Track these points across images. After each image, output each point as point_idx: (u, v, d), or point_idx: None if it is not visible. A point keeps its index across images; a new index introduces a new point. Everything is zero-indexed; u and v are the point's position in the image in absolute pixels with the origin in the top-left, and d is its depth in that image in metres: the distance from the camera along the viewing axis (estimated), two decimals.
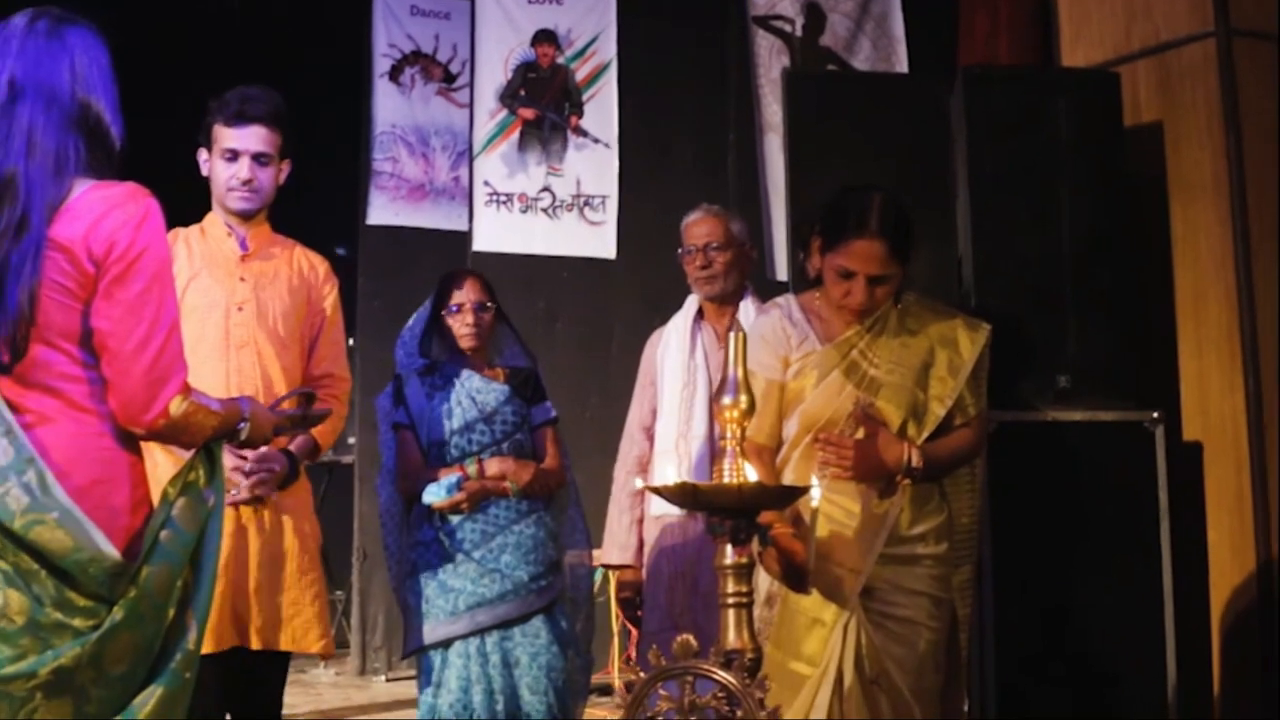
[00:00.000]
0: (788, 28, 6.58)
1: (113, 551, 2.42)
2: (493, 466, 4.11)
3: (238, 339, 3.71)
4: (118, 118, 2.61)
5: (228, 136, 3.75)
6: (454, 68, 8.13)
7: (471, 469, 4.08)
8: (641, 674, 2.54)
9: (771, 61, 6.50)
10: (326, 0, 8.39)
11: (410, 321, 4.37)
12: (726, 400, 2.71)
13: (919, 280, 4.38)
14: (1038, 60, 5.51)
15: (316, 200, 10.02)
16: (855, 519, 3.33)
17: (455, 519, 4.07)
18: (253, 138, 3.76)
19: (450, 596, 4.04)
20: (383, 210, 8.08)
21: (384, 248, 8.03)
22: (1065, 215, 4.61)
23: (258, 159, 3.77)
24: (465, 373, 4.22)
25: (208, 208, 3.85)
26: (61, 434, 2.47)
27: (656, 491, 2.76)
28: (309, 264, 3.93)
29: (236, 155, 3.76)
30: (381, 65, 8.07)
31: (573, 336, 7.09)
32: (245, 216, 3.82)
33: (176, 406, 2.52)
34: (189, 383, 2.58)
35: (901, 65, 6.62)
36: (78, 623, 2.40)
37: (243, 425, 2.75)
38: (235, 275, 3.78)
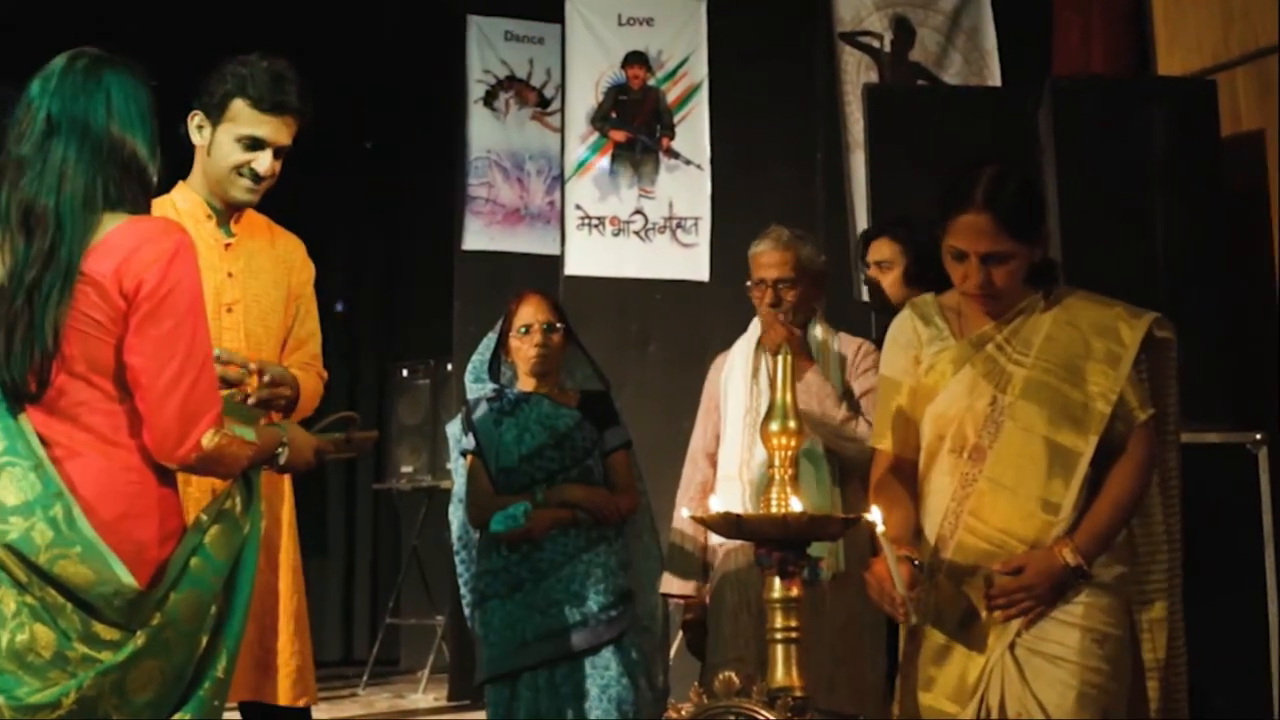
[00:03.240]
0: (876, 44, 6.47)
1: (132, 581, 2.41)
2: (576, 492, 4.05)
3: (230, 345, 3.33)
4: (155, 155, 2.62)
5: (255, 122, 3.31)
6: (548, 92, 8.11)
7: (540, 497, 4.02)
8: (681, 711, 2.45)
9: (859, 78, 6.39)
10: (420, 28, 8.44)
11: (480, 346, 4.33)
12: (774, 426, 2.62)
13: None
14: (1133, 68, 5.36)
15: (413, 226, 10.16)
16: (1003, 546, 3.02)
17: (524, 548, 4.02)
18: (283, 129, 3.35)
19: (518, 627, 3.99)
20: (478, 235, 8.07)
21: (479, 273, 8.01)
22: (1160, 229, 4.48)
23: (279, 152, 3.37)
24: (535, 397, 4.16)
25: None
26: (90, 468, 2.48)
27: (701, 521, 2.68)
28: (288, 250, 3.56)
29: (260, 145, 3.33)
30: (476, 91, 8.07)
31: (665, 360, 7.01)
32: (241, 207, 3.44)
33: (209, 440, 2.51)
34: (223, 416, 2.57)
35: (994, 79, 6.46)
36: (105, 656, 2.41)
37: (281, 450, 2.75)
38: (221, 269, 3.39)
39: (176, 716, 2.48)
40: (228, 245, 3.41)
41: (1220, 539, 4.22)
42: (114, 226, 2.50)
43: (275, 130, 3.32)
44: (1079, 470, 3.01)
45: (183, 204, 3.40)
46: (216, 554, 2.54)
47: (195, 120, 3.36)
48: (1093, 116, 4.53)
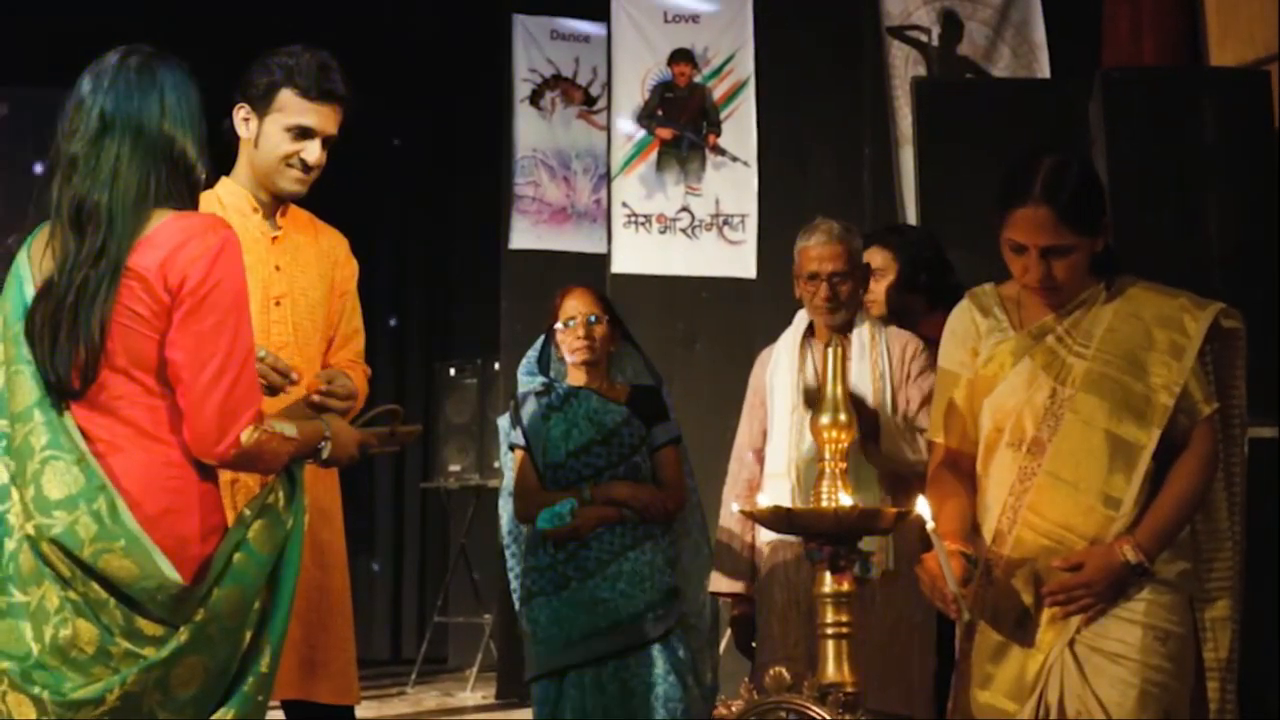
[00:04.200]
0: (924, 38, 6.42)
1: (176, 576, 2.42)
2: (622, 490, 4.04)
3: (278, 338, 3.30)
4: (203, 152, 2.63)
5: (303, 111, 3.26)
6: (594, 90, 8.11)
7: (586, 494, 4.02)
8: (732, 707, 2.44)
9: (907, 73, 6.34)
10: (467, 27, 8.47)
11: (535, 343, 4.34)
12: (825, 420, 2.60)
13: None
14: (1185, 61, 5.30)
15: (459, 226, 10.19)
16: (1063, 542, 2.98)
17: (570, 546, 4.01)
18: (331, 118, 3.31)
19: (564, 625, 3.98)
20: (525, 234, 8.08)
21: (526, 272, 8.03)
22: (1212, 223, 4.43)
23: (325, 141, 3.32)
24: (584, 393, 4.16)
25: None
26: (132, 462, 2.48)
27: (751, 516, 2.66)
28: (331, 245, 3.53)
29: (309, 134, 3.29)
30: (522, 90, 8.08)
31: (713, 357, 7.00)
32: (289, 198, 3.40)
33: (248, 437, 2.51)
34: (263, 412, 2.58)
35: (1044, 72, 6.41)
36: (148, 652, 2.42)
37: (324, 444, 2.73)
38: (269, 263, 3.36)
39: (220, 712, 2.49)
40: (274, 239, 3.38)
41: (1275, 535, 4.16)
42: (160, 222, 2.51)
43: (323, 119, 3.29)
44: (1141, 464, 2.97)
45: (228, 198, 3.36)
46: (260, 549, 2.55)
47: (241, 113, 3.32)
48: (1144, 109, 4.48)
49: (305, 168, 3.31)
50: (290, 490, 2.64)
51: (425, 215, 10.26)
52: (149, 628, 2.42)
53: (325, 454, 2.74)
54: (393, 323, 10.19)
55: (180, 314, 2.47)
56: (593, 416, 4.12)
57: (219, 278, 2.49)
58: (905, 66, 6.41)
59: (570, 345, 4.16)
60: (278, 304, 3.34)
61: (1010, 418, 3.06)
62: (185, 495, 2.51)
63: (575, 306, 4.18)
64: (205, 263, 2.48)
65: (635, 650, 3.97)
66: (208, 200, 3.23)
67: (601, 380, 4.21)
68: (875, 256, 4.30)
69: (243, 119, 3.32)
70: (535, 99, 8.11)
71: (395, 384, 9.91)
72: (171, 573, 2.42)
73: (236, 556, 2.51)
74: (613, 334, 4.22)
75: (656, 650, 3.98)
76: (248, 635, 2.53)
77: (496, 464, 8.24)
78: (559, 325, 4.19)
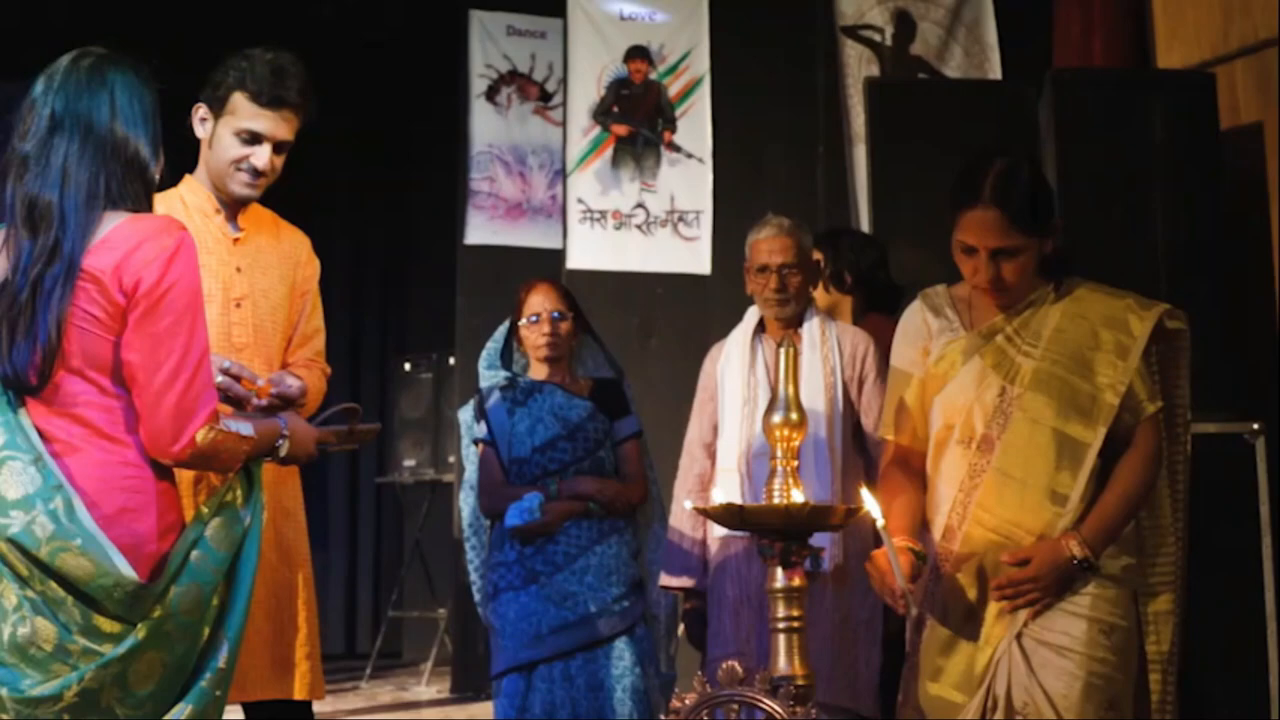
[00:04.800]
0: (877, 37, 6.48)
1: (133, 575, 2.43)
2: (588, 484, 4.06)
3: (239, 340, 3.31)
4: (158, 153, 2.65)
5: (252, 116, 3.25)
6: (550, 86, 8.12)
7: (553, 489, 4.03)
8: (685, 700, 2.48)
9: (860, 72, 6.39)
10: (422, 22, 8.45)
11: (495, 335, 4.34)
12: (777, 418, 2.64)
13: None
14: (1134, 62, 5.36)
15: (415, 221, 10.18)
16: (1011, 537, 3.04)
17: (538, 541, 4.03)
18: (282, 124, 3.28)
19: (532, 619, 4.00)
20: (480, 229, 8.08)
21: (481, 267, 8.04)
22: (1160, 221, 4.49)
23: (279, 147, 3.30)
24: (548, 387, 4.17)
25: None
26: (89, 462, 2.50)
27: (704, 513, 2.69)
28: (294, 245, 3.50)
29: (258, 139, 3.27)
30: (478, 85, 8.08)
31: (668, 353, 7.02)
32: (242, 202, 3.37)
33: (203, 437, 2.52)
34: (218, 411, 2.59)
35: (995, 72, 6.48)
36: (106, 648, 2.43)
37: (281, 442, 2.77)
38: (230, 264, 3.34)
39: (177, 708, 2.50)
40: (236, 240, 3.37)
41: (1218, 530, 4.23)
42: (116, 224, 2.52)
43: (274, 125, 3.27)
44: (1087, 462, 3.03)
45: (190, 198, 3.35)
46: (218, 546, 2.57)
47: (199, 113, 3.31)
48: (1093, 109, 4.53)
49: (254, 173, 3.29)
50: (248, 487, 2.66)
51: (381, 210, 10.24)
52: (107, 625, 2.43)
53: (283, 452, 2.78)
54: (348, 317, 10.16)
55: (135, 316, 2.49)
56: (558, 412, 4.13)
57: (174, 280, 2.50)
58: (859, 66, 6.46)
59: (534, 342, 4.17)
60: (238, 305, 3.32)
61: (960, 416, 3.11)
62: (142, 495, 2.52)
63: (540, 302, 4.18)
64: (160, 265, 2.49)
65: (603, 643, 3.99)
66: (170, 198, 3.28)
67: (564, 375, 4.23)
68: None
69: (200, 119, 3.32)
70: (491, 95, 8.11)
71: (350, 378, 9.90)
72: (128, 571, 2.43)
73: (194, 554, 2.53)
74: (575, 328, 4.24)
75: (623, 643, 4.01)
76: (206, 631, 2.55)
77: (452, 459, 8.26)
78: (522, 320, 4.20)
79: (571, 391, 4.20)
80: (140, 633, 2.44)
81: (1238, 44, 4.91)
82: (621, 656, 4.00)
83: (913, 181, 4.30)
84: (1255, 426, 4.30)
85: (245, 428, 2.65)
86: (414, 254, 10.05)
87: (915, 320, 3.27)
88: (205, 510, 2.59)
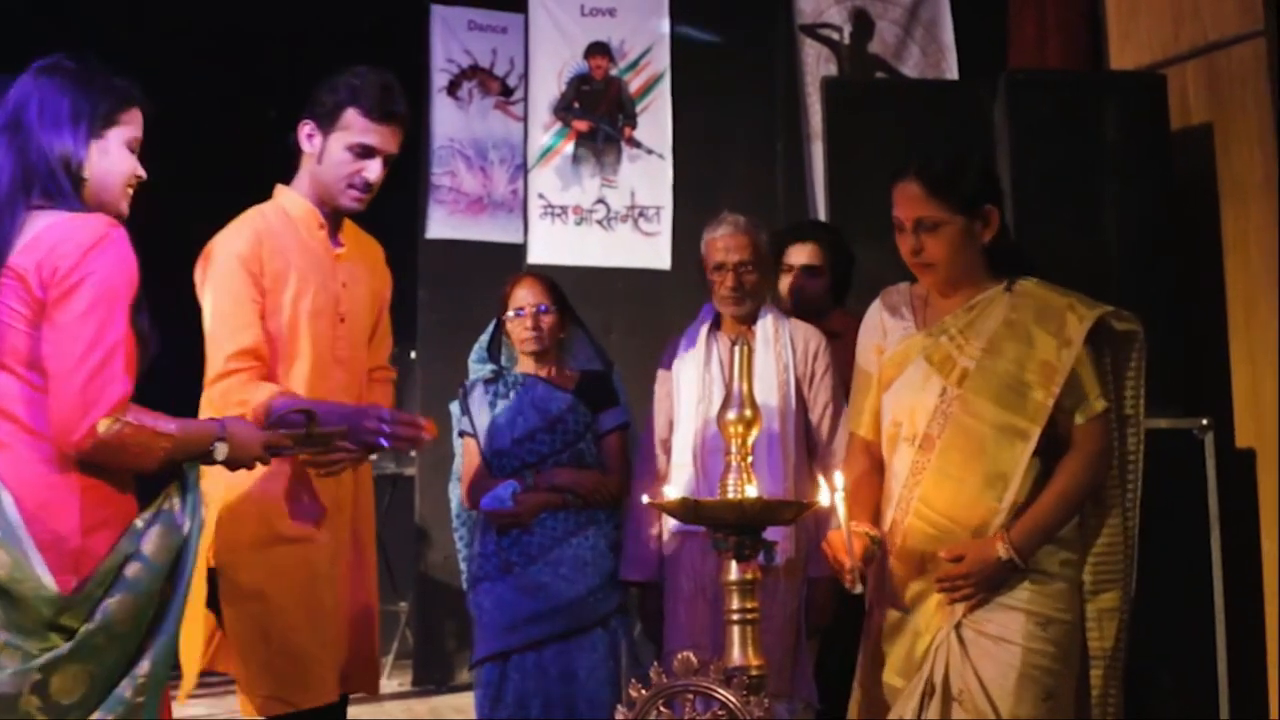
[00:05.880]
0: (835, 36, 6.53)
1: (51, 583, 2.44)
2: (563, 476, 4.08)
3: (342, 354, 3.41)
4: (82, 150, 2.66)
5: (366, 130, 3.32)
6: (511, 81, 8.14)
7: (529, 480, 4.06)
8: (641, 690, 2.52)
9: (819, 70, 6.44)
10: (385, 17, 8.45)
11: (487, 329, 4.37)
12: (731, 415, 2.68)
13: None
14: (1088, 64, 5.43)
15: (376, 215, 10.15)
16: (949, 532, 3.13)
17: (513, 532, 4.06)
18: (392, 138, 3.37)
19: (508, 609, 4.02)
20: (441, 224, 8.09)
21: (442, 261, 8.05)
22: (1112, 220, 4.55)
23: (388, 160, 3.39)
24: (531, 379, 4.20)
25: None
26: (14, 458, 2.52)
27: (658, 507, 2.73)
28: (374, 257, 3.61)
29: (371, 153, 3.34)
30: (439, 80, 8.09)
31: (628, 348, 7.04)
32: (346, 214, 3.44)
33: (105, 428, 2.50)
34: (129, 404, 2.56)
35: (951, 72, 6.54)
36: (31, 646, 2.43)
37: (218, 445, 2.70)
38: (337, 279, 3.41)
39: (95, 715, 2.47)
40: (338, 256, 3.42)
41: (1167, 525, 4.29)
42: (48, 222, 2.55)
43: (385, 138, 3.34)
44: (1022, 460, 3.10)
45: (295, 210, 3.39)
46: (155, 557, 2.55)
47: (305, 129, 3.37)
48: (1046, 109, 4.59)
49: (366, 186, 3.36)
50: (183, 493, 2.62)
51: None
52: (28, 623, 2.44)
53: (220, 456, 2.72)
54: None
55: (49, 304, 2.51)
56: (538, 404, 4.15)
57: (91, 269, 2.51)
58: (817, 64, 6.51)
59: (519, 335, 4.20)
60: (343, 321, 3.40)
61: (906, 414, 3.21)
62: (62, 490, 2.52)
63: (524, 296, 4.21)
64: (76, 255, 2.51)
65: (577, 634, 4.01)
66: (272, 211, 3.36)
67: (550, 367, 4.25)
68: (804, 252, 4.37)
69: (307, 135, 3.37)
70: (453, 89, 8.12)
71: None
72: (47, 579, 2.44)
73: (131, 566, 2.52)
74: (562, 321, 4.26)
75: (598, 634, 4.03)
76: (138, 641, 2.53)
77: (413, 453, 8.26)
78: (509, 314, 4.22)
79: (556, 384, 4.21)
80: (65, 645, 2.43)
81: (1188, 46, 4.98)
82: (595, 648, 4.03)
83: (869, 179, 4.30)
84: (1204, 422, 4.37)
85: (166, 425, 2.60)
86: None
87: (873, 319, 3.37)
88: (139, 524, 2.57)
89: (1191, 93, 4.94)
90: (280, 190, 3.44)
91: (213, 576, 3.23)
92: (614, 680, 4.02)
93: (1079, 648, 3.16)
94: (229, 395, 3.17)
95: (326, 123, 3.34)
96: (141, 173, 2.84)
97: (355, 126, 3.31)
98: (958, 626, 3.08)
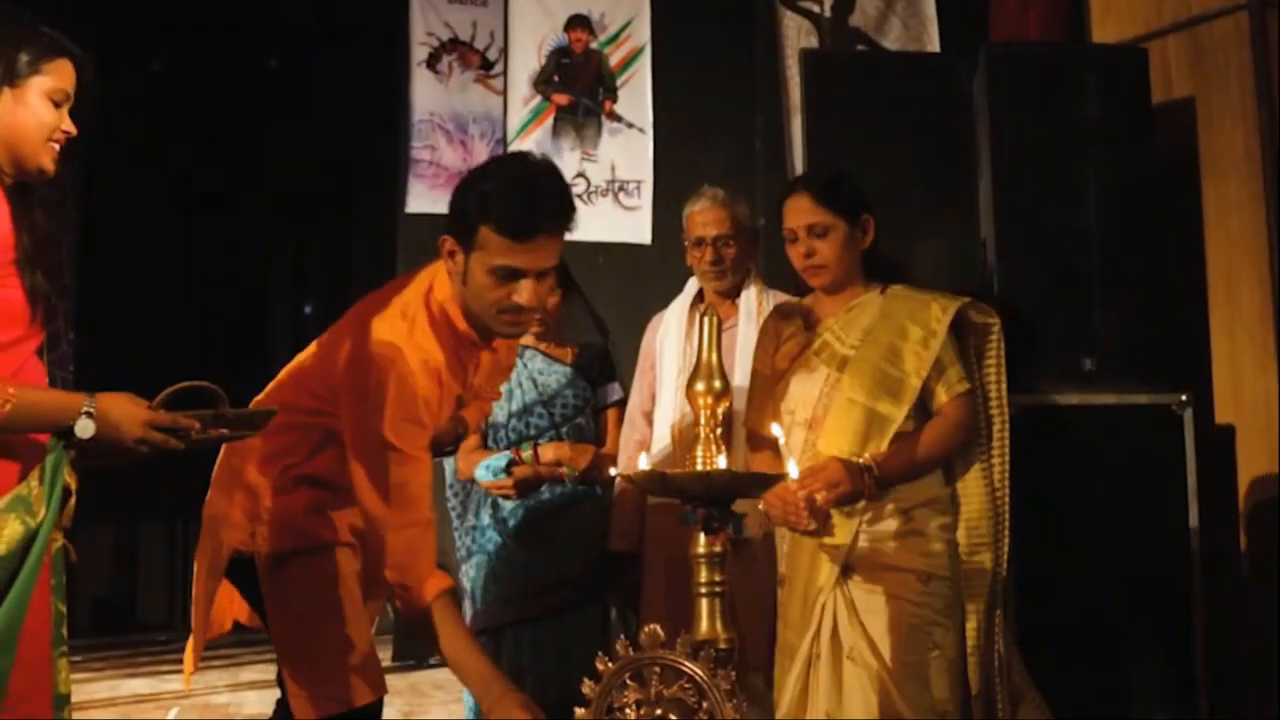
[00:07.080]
0: (816, 8, 6.50)
1: None
2: (548, 452, 4.05)
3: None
4: None
5: (506, 251, 2.78)
6: (491, 55, 8.08)
7: (526, 454, 4.02)
8: (608, 663, 2.49)
9: (800, 43, 6.42)
10: None
11: None
12: (699, 386, 2.65)
13: (943, 262, 4.32)
14: (1069, 37, 5.39)
15: (356, 189, 10.11)
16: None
17: (509, 505, 4.02)
18: (542, 254, 2.82)
19: (502, 583, 3.99)
20: (421, 198, 8.05)
21: (423, 235, 8.00)
22: (1092, 195, 4.50)
23: (543, 275, 2.86)
24: (529, 352, 4.15)
25: None
26: None
27: (629, 479, 2.71)
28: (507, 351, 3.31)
29: (516, 274, 2.82)
30: (419, 53, 8.04)
31: (608, 321, 7.02)
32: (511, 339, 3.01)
33: None
34: None
35: (933, 45, 6.51)
36: None
37: (82, 419, 2.43)
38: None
39: None
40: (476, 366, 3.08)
41: (1146, 500, 4.29)
42: None
43: (531, 258, 2.80)
44: (889, 433, 3.45)
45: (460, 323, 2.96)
46: (5, 545, 2.36)
47: (447, 245, 2.89)
48: (1027, 83, 4.53)
49: (519, 309, 2.86)
50: (43, 479, 2.42)
51: (322, 179, 10.16)
52: None
53: (85, 433, 2.43)
54: (290, 288, 10.09)
55: None
56: (535, 378, 4.11)
57: None
58: (798, 37, 6.48)
59: None
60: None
61: (798, 402, 3.56)
62: None
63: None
64: None
65: (572, 609, 3.99)
66: (427, 333, 2.92)
67: (550, 339, 4.21)
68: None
69: (448, 252, 2.90)
70: (433, 63, 8.07)
71: (293, 349, 9.83)
72: None
73: None
74: (563, 295, 4.22)
75: (593, 609, 4.02)
76: None
77: None
78: None
79: (553, 356, 4.17)
80: None
81: (1170, 19, 4.95)
82: (591, 623, 4.01)
83: (849, 152, 4.28)
84: (1183, 398, 4.34)
85: (7, 386, 2.41)
86: (355, 223, 9.98)
87: (769, 321, 3.75)
88: None
89: (1174, 66, 4.91)
90: (440, 279, 2.97)
91: (249, 561, 3.02)
92: (609, 657, 3.99)
93: (959, 602, 3.47)
94: None
95: (465, 241, 2.83)
96: (69, 127, 2.68)
97: (493, 247, 2.79)
98: (844, 586, 3.38)
